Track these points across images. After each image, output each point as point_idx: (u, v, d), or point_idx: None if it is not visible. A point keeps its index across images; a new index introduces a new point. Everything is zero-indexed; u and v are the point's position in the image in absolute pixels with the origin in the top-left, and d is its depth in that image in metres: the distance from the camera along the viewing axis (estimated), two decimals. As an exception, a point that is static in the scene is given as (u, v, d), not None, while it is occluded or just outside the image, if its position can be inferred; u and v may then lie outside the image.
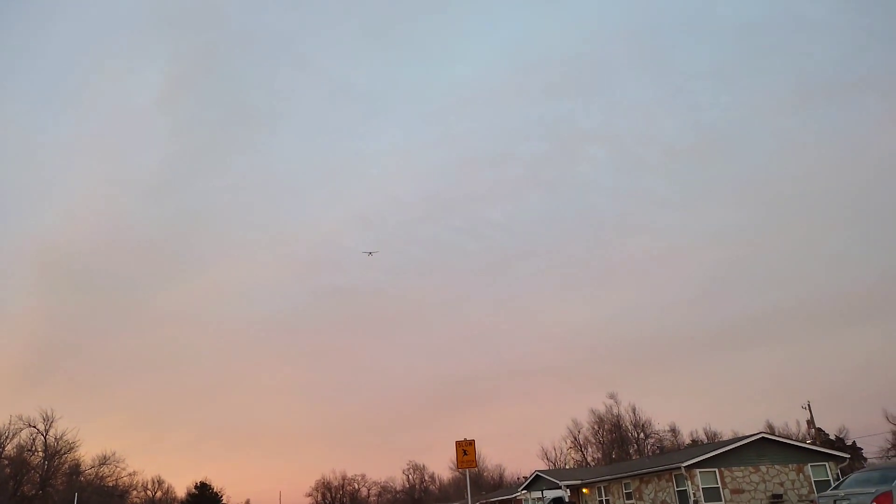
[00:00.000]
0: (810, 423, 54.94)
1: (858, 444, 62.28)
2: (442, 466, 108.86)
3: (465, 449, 22.95)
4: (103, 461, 61.04)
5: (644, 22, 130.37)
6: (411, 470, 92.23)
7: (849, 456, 34.81)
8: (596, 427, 73.23)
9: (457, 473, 78.68)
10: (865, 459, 58.27)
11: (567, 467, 68.08)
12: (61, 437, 56.86)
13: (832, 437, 61.25)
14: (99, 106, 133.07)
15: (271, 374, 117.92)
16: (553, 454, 74.83)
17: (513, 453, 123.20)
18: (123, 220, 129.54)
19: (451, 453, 30.74)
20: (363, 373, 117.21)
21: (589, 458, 72.10)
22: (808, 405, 54.03)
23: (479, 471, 78.26)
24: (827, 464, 31.04)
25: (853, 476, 14.63)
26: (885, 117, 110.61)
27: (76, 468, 59.72)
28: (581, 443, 74.00)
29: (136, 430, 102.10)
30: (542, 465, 70.15)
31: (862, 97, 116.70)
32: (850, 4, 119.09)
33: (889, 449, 60.50)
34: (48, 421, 56.04)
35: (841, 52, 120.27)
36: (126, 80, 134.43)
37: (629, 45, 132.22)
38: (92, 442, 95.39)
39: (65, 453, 57.67)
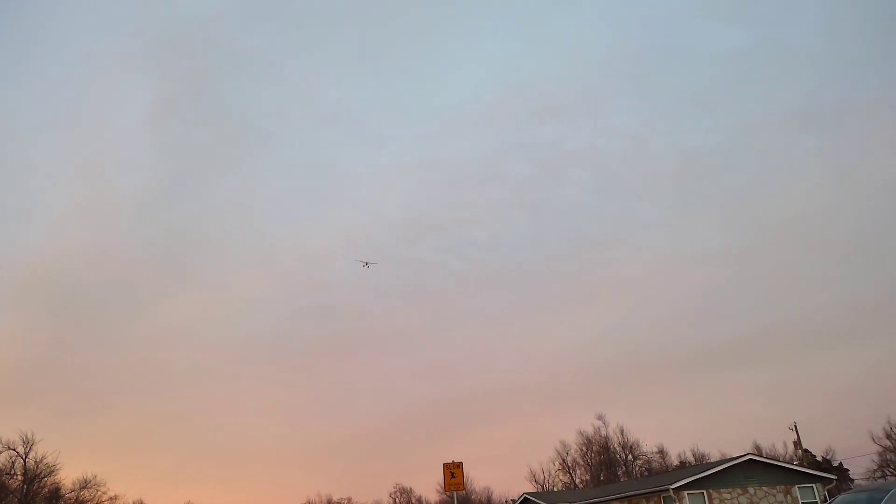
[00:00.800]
0: (797, 444, 55.06)
1: (845, 466, 62.38)
2: (429, 489, 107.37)
3: (453, 471, 22.81)
4: (84, 485, 59.87)
5: (627, 48, 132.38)
6: (398, 493, 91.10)
7: (836, 477, 34.87)
8: (584, 449, 72.91)
9: (444, 496, 77.90)
10: (852, 481, 58.36)
11: (555, 490, 67.58)
12: (41, 461, 55.82)
13: (819, 458, 61.34)
14: (85, 125, 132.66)
15: (257, 395, 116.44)
16: (541, 476, 74.30)
17: (501, 475, 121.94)
18: (108, 240, 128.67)
19: (439, 475, 30.51)
20: (349, 394, 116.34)
21: (577, 481, 71.66)
22: (795, 426, 54.19)
23: (466, 493, 77.49)
24: (814, 485, 31.05)
25: (840, 498, 14.65)
26: (863, 142, 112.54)
27: (56, 492, 58.52)
28: (569, 465, 73.56)
29: (118, 452, 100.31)
30: (530, 488, 69.58)
31: (841, 122, 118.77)
32: (829, 32, 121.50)
33: (875, 470, 60.64)
34: (28, 444, 55.03)
35: (820, 78, 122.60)
36: (113, 99, 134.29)
37: (613, 69, 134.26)
38: (73, 465, 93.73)
39: (44, 477, 56.55)
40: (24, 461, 55.05)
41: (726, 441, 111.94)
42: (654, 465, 69.18)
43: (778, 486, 30.62)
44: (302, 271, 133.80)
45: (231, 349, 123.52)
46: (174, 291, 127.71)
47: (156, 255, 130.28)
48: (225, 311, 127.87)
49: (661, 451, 70.80)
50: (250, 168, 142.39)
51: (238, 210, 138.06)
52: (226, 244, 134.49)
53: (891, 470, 59.75)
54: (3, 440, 53.96)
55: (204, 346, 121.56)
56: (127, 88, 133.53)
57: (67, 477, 60.61)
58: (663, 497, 30.27)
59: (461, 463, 22.92)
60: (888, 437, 61.33)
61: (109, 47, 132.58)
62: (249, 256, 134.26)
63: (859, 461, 70.19)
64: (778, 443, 66.23)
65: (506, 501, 71.36)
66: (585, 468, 72.94)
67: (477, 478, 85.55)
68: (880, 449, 61.25)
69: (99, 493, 61.31)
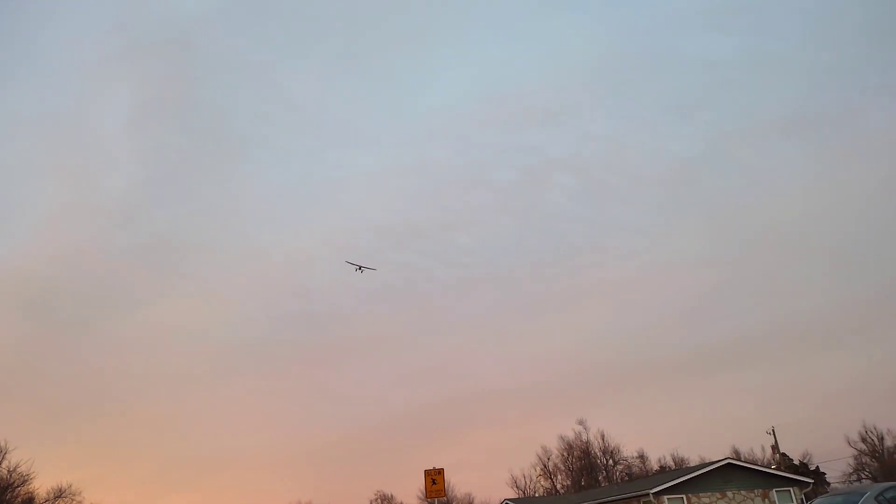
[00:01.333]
0: (775, 448, 55.65)
1: (822, 470, 63.21)
2: (410, 495, 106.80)
3: (434, 478, 22.71)
4: (59, 494, 58.71)
5: (612, 55, 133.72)
6: (379, 499, 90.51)
7: (812, 481, 35.29)
8: (565, 454, 73.06)
9: (425, 503, 77.65)
10: (829, 484, 59.10)
11: (536, 495, 67.60)
12: (15, 469, 54.69)
13: (796, 462, 62.05)
14: (67, 127, 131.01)
15: (239, 402, 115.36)
16: (523, 482, 74.30)
17: (482, 481, 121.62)
18: (89, 243, 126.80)
19: (420, 482, 30.29)
20: (332, 400, 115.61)
21: (558, 486, 71.77)
22: (773, 430, 54.76)
23: (448, 500, 77.26)
24: (791, 489, 31.41)
25: (817, 501, 14.83)
26: (846, 150, 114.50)
27: (30, 501, 57.39)
28: (550, 470, 73.67)
29: (96, 460, 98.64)
30: (511, 494, 69.58)
31: (823, 130, 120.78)
32: (811, 41, 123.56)
33: (851, 474, 61.53)
34: (1, 452, 53.94)
35: (802, 86, 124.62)
36: (96, 102, 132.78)
37: (598, 76, 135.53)
38: (48, 473, 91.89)
39: (18, 486, 55.40)
40: (-3, 470, 53.96)
41: (706, 445, 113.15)
42: (635, 469, 69.51)
43: (756, 490, 30.93)
44: (286, 276, 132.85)
45: (214, 355, 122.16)
46: (155, 296, 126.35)
47: (137, 260, 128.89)
48: (208, 316, 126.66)
49: (642, 456, 71.22)
50: (235, 172, 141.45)
51: (222, 215, 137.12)
52: (209, 249, 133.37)
53: (866, 473, 60.63)
54: (-25, 449, 52.90)
55: (186, 352, 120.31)
56: (110, 91, 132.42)
57: (42, 486, 59.53)
58: (643, 501, 30.44)
59: (442, 469, 22.84)
60: (863, 441, 62.28)
61: (91, 50, 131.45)
62: (233, 261, 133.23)
63: (836, 465, 71.09)
64: (756, 447, 66.95)
65: (487, 507, 71.26)
66: (566, 473, 73.08)
67: (458, 483, 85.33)
68: (856, 453, 62.17)
69: (74, 501, 60.24)
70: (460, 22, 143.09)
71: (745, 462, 38.57)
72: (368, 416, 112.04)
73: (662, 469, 65.55)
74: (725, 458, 32.69)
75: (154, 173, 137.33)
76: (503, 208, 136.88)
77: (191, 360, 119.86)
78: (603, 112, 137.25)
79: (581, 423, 71.99)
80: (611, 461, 70.83)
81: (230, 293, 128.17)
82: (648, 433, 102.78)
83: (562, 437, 72.75)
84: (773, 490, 31.12)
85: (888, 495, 14.60)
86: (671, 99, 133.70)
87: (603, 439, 71.01)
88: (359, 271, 62.74)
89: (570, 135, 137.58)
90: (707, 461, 36.77)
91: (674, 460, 69.05)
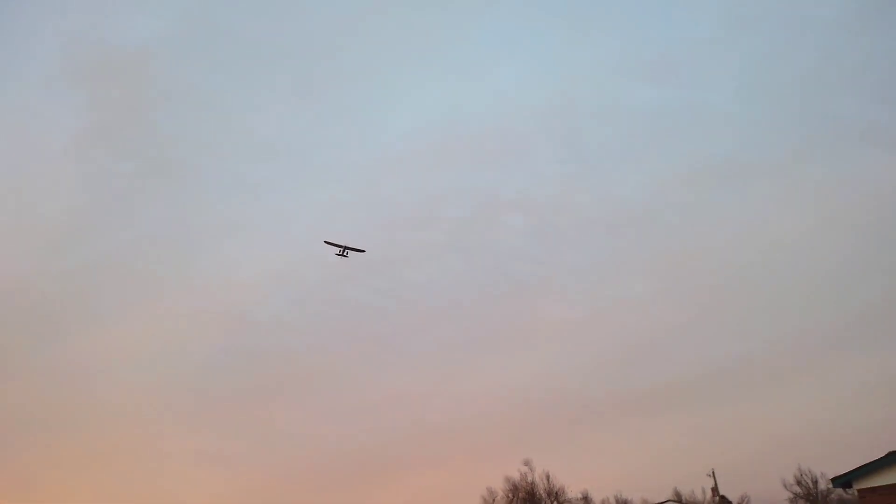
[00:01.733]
0: (714, 490, 56.80)
1: (758, 511, 64.65)
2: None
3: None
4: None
5: (561, 101, 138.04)
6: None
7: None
8: (510, 495, 72.44)
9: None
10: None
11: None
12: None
13: (734, 503, 63.31)
14: (5, 149, 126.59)
15: (177, 440, 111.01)
16: (468, 524, 73.28)
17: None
18: (25, 269, 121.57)
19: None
20: (274, 440, 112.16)
21: (503, 528, 71.10)
22: (713, 472, 56.02)
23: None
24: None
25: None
26: (773, 200, 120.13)
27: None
28: (496, 511, 73.02)
29: (22, 498, 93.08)
30: (456, 536, 68.63)
31: (753, 181, 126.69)
32: (746, 95, 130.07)
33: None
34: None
35: (735, 138, 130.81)
36: (37, 124, 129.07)
37: (547, 122, 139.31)
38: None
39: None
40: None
41: (649, 487, 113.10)
42: (579, 511, 69.62)
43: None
44: (230, 308, 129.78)
45: (151, 388, 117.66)
46: (93, 326, 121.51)
47: (75, 287, 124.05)
48: (147, 347, 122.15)
49: (586, 498, 71.30)
50: (182, 200, 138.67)
51: (166, 243, 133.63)
52: (149, 278, 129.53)
53: (801, 516, 62.26)
54: None
55: (123, 386, 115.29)
56: (55, 113, 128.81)
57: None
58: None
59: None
60: (799, 484, 64.12)
61: (36, 71, 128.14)
62: (176, 291, 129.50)
63: (771, 507, 72.84)
64: (697, 488, 68.05)
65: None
66: (511, 515, 72.52)
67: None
68: (791, 496, 63.90)
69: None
70: (416, 60, 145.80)
71: (686, 503, 39.14)
72: (314, 457, 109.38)
73: (606, 510, 66.04)
74: (667, 500, 33.15)
75: (98, 198, 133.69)
76: (453, 245, 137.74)
77: (126, 394, 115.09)
78: (553, 155, 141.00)
79: (527, 463, 71.88)
80: (556, 502, 70.70)
81: (171, 324, 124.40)
82: (593, 474, 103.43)
83: (507, 479, 72.37)
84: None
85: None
86: (617, 145, 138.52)
87: (548, 480, 70.94)
88: (342, 255, 52.55)
89: (521, 176, 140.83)
90: (650, 502, 37.32)
91: (617, 501, 69.51)
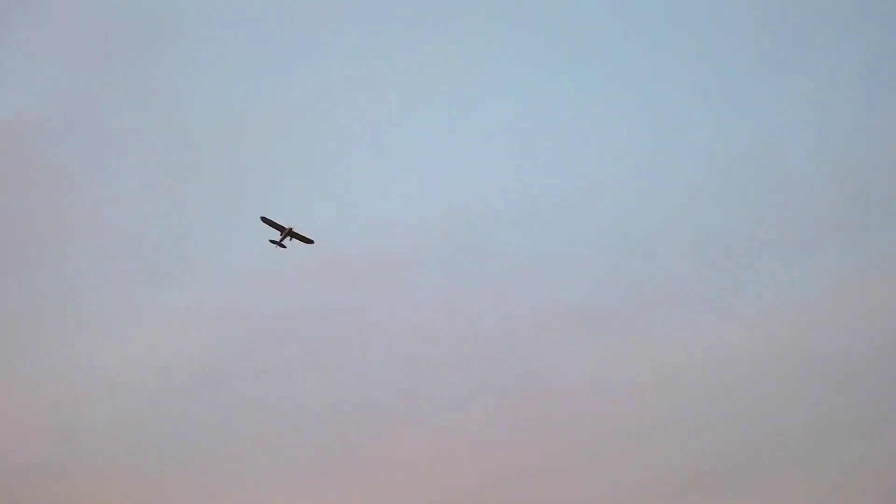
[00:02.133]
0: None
1: None
2: None
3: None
4: None
5: (434, 237, 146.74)
6: None
7: None
8: None
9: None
10: None
11: None
12: None
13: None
14: None
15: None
16: None
17: None
18: None
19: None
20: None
21: None
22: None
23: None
24: None
25: None
26: (617, 352, 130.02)
27: None
28: None
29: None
30: None
31: (605, 330, 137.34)
32: (602, 246, 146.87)
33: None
34: None
35: (594, 284, 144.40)
36: None
37: (420, 252, 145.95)
38: None
39: None
40: None
41: None
42: None
43: None
44: (47, 420, 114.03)
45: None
46: None
47: None
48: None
49: None
50: (22, 297, 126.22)
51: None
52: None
53: None
54: None
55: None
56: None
57: None
58: None
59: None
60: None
61: None
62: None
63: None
64: None
65: None
66: None
67: None
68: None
69: None
70: (289, 175, 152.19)
71: None
72: None
73: None
74: None
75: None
76: (314, 365, 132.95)
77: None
78: (418, 285, 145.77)
79: None
80: None
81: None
82: None
83: None
84: None
85: None
86: (484, 283, 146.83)
87: None
88: (279, 244, 33.74)
89: (390, 301, 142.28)
90: None
91: None
